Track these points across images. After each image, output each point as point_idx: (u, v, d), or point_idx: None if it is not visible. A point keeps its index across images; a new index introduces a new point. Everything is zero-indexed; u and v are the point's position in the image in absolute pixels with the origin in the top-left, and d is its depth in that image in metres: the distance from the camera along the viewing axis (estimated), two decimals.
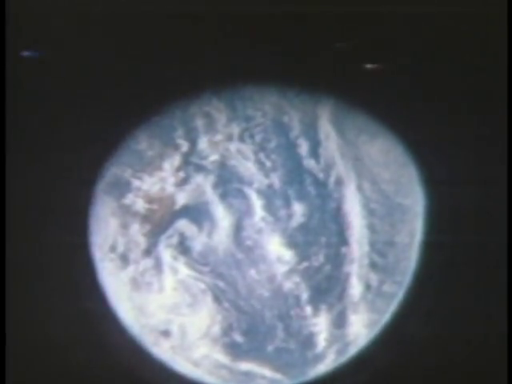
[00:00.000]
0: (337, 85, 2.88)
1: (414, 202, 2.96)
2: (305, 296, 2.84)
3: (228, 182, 2.87)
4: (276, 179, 2.86)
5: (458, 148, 2.92)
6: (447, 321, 2.90)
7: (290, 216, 2.84)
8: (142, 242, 2.86)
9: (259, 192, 2.85)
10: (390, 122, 2.91)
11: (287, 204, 2.85)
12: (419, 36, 2.89)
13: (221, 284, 2.83)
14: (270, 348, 2.86)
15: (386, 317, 2.94)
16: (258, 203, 2.84)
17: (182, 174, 2.88)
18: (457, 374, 2.89)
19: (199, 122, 2.91)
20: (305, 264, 2.84)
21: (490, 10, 2.87)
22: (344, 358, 2.93)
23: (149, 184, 2.88)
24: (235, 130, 2.89)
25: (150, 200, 2.87)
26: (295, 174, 2.87)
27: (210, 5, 2.90)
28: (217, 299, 2.83)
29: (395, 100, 2.89)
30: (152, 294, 2.86)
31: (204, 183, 2.87)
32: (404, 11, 2.88)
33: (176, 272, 2.85)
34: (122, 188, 2.90)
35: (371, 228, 2.88)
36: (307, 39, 2.90)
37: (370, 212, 2.88)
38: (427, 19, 2.89)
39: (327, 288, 2.85)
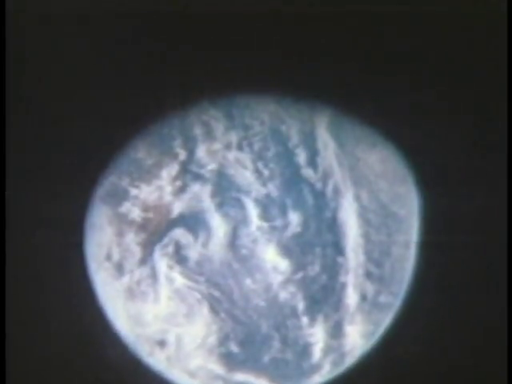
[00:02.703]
0: (335, 94, 2.90)
1: (411, 211, 2.97)
2: (301, 306, 2.83)
3: (225, 191, 2.86)
4: (273, 188, 2.86)
5: (456, 159, 2.94)
6: (445, 331, 2.90)
7: (286, 225, 2.84)
8: (138, 251, 2.85)
9: (256, 201, 2.85)
10: (388, 132, 2.93)
11: (284, 213, 2.85)
12: (419, 36, 2.90)
13: (216, 294, 2.82)
14: (265, 358, 2.85)
15: (383, 327, 2.94)
16: (254, 212, 2.84)
17: (179, 183, 2.87)
18: (456, 381, 2.89)
19: (197, 131, 2.91)
20: (300, 274, 2.84)
21: (490, 10, 2.88)
22: (340, 369, 2.92)
23: (146, 192, 2.87)
24: (233, 138, 2.89)
25: (146, 209, 2.86)
26: (293, 183, 2.87)
27: (208, 8, 2.91)
28: (213, 309, 2.82)
29: (394, 110, 2.90)
30: (147, 304, 2.84)
31: (201, 192, 2.86)
32: (404, 11, 2.89)
33: (172, 281, 2.83)
34: (119, 196, 2.88)
35: (367, 237, 2.88)
36: (304, 47, 2.92)
37: (366, 221, 2.89)
38: (427, 19, 2.90)
39: (323, 298, 2.85)
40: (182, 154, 2.89)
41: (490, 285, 2.88)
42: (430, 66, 2.93)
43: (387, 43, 2.91)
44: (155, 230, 2.85)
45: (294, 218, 2.84)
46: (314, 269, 2.84)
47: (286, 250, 2.83)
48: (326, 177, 2.89)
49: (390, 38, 2.90)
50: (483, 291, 2.89)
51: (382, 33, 2.90)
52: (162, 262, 2.83)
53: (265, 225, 2.83)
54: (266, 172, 2.87)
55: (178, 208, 2.86)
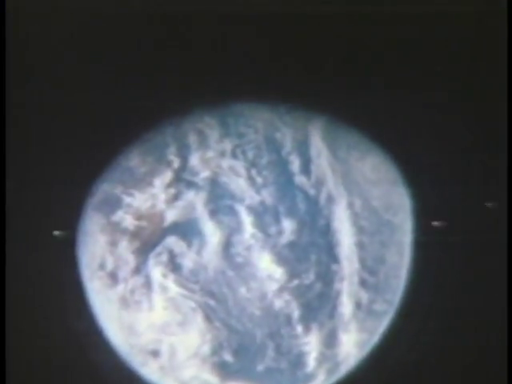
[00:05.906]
0: (329, 102, 2.90)
1: (404, 219, 2.97)
2: (295, 314, 2.82)
3: (219, 199, 2.86)
4: (267, 196, 2.86)
5: (449, 165, 2.95)
6: (439, 339, 2.90)
7: (280, 233, 2.84)
8: (131, 259, 2.84)
9: (250, 209, 2.85)
10: (381, 140, 2.93)
11: (277, 221, 2.85)
12: (419, 36, 2.91)
13: (211, 302, 2.81)
14: (259, 368, 2.83)
15: (377, 336, 2.93)
16: (248, 220, 2.84)
17: (172, 191, 2.87)
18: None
19: (191, 139, 2.91)
20: (295, 282, 2.83)
21: (490, 9, 2.89)
22: (334, 378, 2.90)
23: (139, 200, 2.86)
24: (227, 146, 2.90)
25: (139, 217, 2.85)
26: (286, 190, 2.87)
27: (205, 10, 2.91)
28: (207, 318, 2.81)
29: (387, 118, 2.91)
30: (141, 313, 2.83)
31: (195, 200, 2.86)
32: (404, 11, 2.90)
33: (166, 290, 2.82)
34: (112, 205, 2.87)
35: (361, 245, 2.88)
36: (299, 56, 2.93)
37: (359, 229, 2.89)
38: (427, 19, 2.91)
39: (318, 306, 2.84)
40: (176, 162, 2.89)
41: (489, 285, 2.87)
42: (429, 68, 2.94)
43: (383, 50, 2.92)
44: (149, 239, 2.84)
45: (288, 226, 2.84)
46: (309, 277, 2.83)
47: (280, 258, 2.83)
48: (319, 184, 2.90)
49: (387, 42, 2.91)
50: (483, 292, 2.89)
51: (378, 38, 2.91)
52: (155, 270, 2.82)
53: (259, 232, 2.83)
54: (259, 179, 2.87)
55: (171, 216, 2.85)
